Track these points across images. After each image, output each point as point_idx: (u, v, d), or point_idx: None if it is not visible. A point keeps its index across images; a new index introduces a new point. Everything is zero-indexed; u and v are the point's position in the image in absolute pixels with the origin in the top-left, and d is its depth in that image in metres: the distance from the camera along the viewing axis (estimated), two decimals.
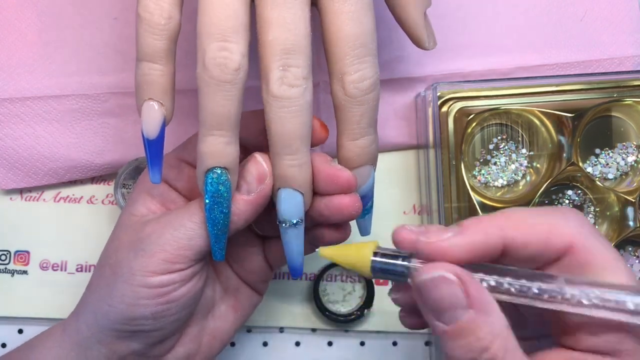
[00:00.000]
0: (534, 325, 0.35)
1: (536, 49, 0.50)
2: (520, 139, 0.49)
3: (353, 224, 0.40)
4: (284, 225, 0.37)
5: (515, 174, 0.49)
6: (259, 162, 0.37)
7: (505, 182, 0.49)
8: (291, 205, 0.36)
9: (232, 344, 0.51)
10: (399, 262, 0.32)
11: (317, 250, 0.35)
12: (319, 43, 0.37)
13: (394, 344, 0.51)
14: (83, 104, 0.50)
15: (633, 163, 0.49)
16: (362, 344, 0.51)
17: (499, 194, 0.49)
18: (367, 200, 0.39)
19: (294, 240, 0.37)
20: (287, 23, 0.34)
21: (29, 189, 0.51)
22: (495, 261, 0.31)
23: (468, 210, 0.47)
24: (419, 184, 0.51)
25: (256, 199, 0.37)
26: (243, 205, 0.37)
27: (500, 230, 0.31)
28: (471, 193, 0.47)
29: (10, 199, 0.51)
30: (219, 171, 0.35)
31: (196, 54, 0.34)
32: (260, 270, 0.43)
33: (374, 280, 0.50)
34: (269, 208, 0.38)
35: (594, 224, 0.49)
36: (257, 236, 0.43)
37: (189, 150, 0.41)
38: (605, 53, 0.50)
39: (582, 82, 0.48)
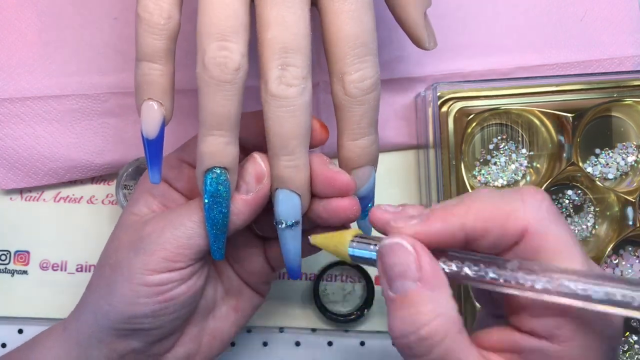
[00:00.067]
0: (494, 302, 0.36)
1: (536, 49, 0.50)
2: (520, 139, 0.49)
3: (353, 224, 0.40)
4: (280, 226, 0.37)
5: (515, 174, 0.49)
6: (258, 162, 0.37)
7: (505, 182, 0.49)
8: (288, 207, 0.36)
9: (232, 344, 0.51)
10: (372, 247, 0.34)
11: (309, 237, 0.36)
12: (319, 43, 0.37)
13: (394, 344, 0.51)
14: (83, 104, 0.50)
15: (633, 163, 0.49)
16: (362, 344, 0.51)
17: None
18: (367, 201, 0.39)
19: (290, 241, 0.37)
20: (286, 22, 0.34)
21: (29, 189, 0.51)
22: (463, 247, 0.32)
23: None
24: (419, 184, 0.51)
25: (255, 199, 0.37)
26: (242, 205, 0.37)
27: (460, 219, 0.31)
28: None
29: (10, 199, 0.51)
30: (218, 171, 0.35)
31: (196, 53, 0.34)
32: (261, 271, 0.43)
33: (373, 280, 0.50)
34: (268, 208, 0.38)
35: (594, 224, 0.49)
36: (258, 237, 0.43)
37: (189, 151, 0.41)
38: (605, 53, 0.50)
39: (582, 82, 0.47)
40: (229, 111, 0.34)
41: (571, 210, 0.49)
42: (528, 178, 0.49)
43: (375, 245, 0.34)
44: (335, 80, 0.36)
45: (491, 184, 0.49)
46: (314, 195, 0.38)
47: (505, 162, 0.49)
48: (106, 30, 0.50)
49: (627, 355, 0.49)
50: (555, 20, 0.50)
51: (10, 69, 0.49)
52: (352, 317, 0.50)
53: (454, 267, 0.32)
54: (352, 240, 0.35)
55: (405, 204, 0.35)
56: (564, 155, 0.48)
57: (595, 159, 0.49)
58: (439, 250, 0.32)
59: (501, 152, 0.49)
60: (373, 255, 0.34)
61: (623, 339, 0.49)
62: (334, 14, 0.35)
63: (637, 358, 0.49)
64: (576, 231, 0.49)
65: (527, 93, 0.48)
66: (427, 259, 0.31)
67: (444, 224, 0.32)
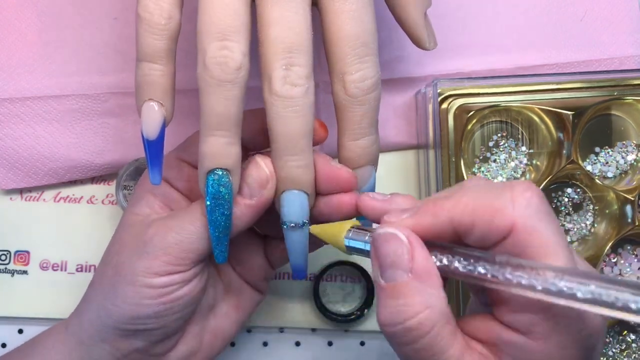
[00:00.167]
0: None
1: (536, 48, 0.50)
2: (520, 136, 0.49)
3: None
4: (288, 226, 0.37)
5: (514, 172, 0.49)
6: (261, 167, 0.36)
7: (504, 180, 0.49)
8: (297, 207, 0.36)
9: (232, 344, 0.51)
10: (367, 238, 0.34)
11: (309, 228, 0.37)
12: (319, 43, 0.37)
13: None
14: (83, 104, 0.50)
15: (632, 162, 0.49)
16: (362, 344, 0.51)
17: None
18: None
19: (298, 241, 0.37)
20: (289, 22, 0.34)
21: (29, 189, 0.51)
22: (454, 241, 0.32)
23: None
24: (418, 184, 0.51)
25: (258, 203, 0.37)
26: (245, 208, 0.37)
27: (448, 213, 0.32)
28: None
29: (10, 199, 0.51)
30: (220, 172, 0.35)
31: (196, 53, 0.34)
32: (261, 269, 0.43)
33: (374, 280, 0.50)
34: (270, 208, 0.38)
35: (593, 222, 0.49)
36: (258, 235, 0.43)
37: (188, 150, 0.40)
38: (606, 53, 0.50)
39: (582, 81, 0.47)
40: (230, 111, 0.34)
41: (570, 208, 0.49)
42: (527, 176, 0.49)
43: (369, 236, 0.34)
44: (336, 80, 0.36)
45: None
46: (316, 193, 0.38)
47: (505, 160, 0.49)
48: (106, 30, 0.49)
49: (624, 354, 0.49)
50: (555, 20, 0.50)
51: (10, 69, 0.49)
52: (352, 317, 0.50)
53: (444, 261, 0.32)
54: (349, 230, 0.35)
55: (396, 192, 0.35)
56: (564, 153, 0.48)
57: (595, 157, 0.49)
58: (430, 243, 0.32)
59: (501, 149, 0.49)
60: (368, 246, 0.34)
61: (620, 337, 0.49)
62: (335, 14, 0.35)
63: (634, 357, 0.49)
64: (575, 229, 0.49)
65: (528, 91, 0.48)
66: (420, 251, 0.32)
67: (434, 218, 0.32)
